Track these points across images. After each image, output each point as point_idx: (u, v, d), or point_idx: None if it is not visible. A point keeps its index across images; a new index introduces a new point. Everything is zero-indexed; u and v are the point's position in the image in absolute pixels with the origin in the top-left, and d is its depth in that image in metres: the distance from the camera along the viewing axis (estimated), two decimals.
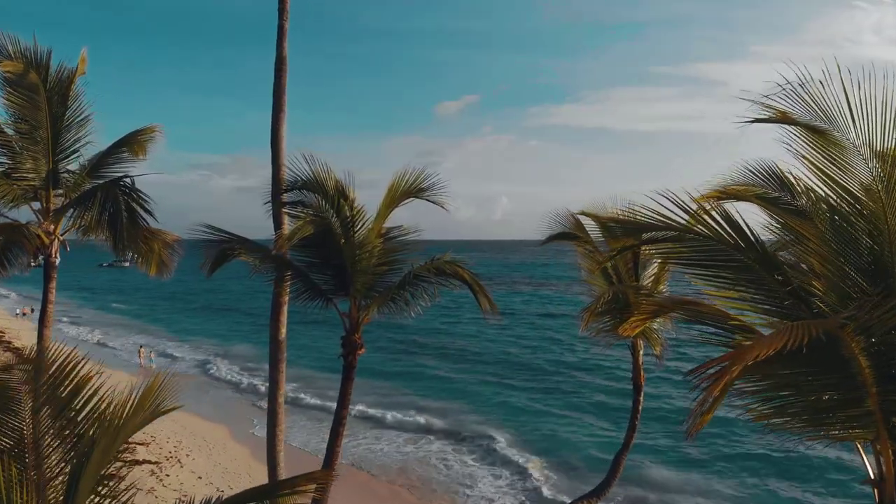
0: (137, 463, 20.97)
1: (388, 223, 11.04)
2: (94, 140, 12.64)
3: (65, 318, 56.48)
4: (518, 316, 58.15)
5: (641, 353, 11.89)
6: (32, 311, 54.30)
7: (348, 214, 10.25)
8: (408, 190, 10.57)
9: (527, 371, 37.67)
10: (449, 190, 10.79)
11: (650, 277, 12.02)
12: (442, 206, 10.79)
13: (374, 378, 33.06)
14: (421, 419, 27.85)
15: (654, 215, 5.43)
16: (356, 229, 10.28)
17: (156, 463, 21.92)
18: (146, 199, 10.95)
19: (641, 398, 11.73)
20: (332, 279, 10.46)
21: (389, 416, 28.32)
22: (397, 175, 10.51)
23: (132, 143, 12.78)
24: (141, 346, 42.98)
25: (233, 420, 27.32)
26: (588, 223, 12.11)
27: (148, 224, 11.58)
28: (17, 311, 58.15)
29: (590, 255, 12.13)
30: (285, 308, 10.91)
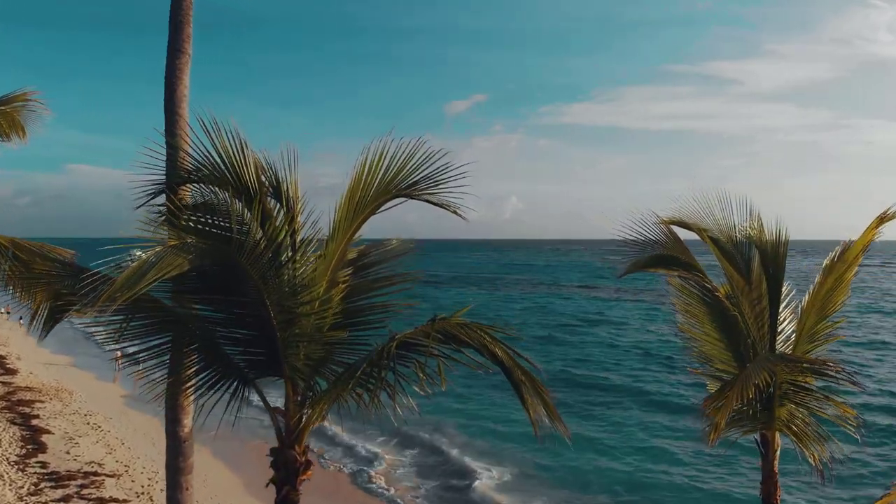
0: (102, 502, 18.14)
1: (363, 236, 6.43)
2: None
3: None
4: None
5: (778, 451, 7.22)
6: (9, 313, 50.01)
7: (281, 233, 5.54)
8: (392, 186, 5.86)
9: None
10: (467, 184, 6.08)
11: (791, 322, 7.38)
12: (456, 212, 6.13)
13: None
14: None
15: None
16: (295, 260, 5.57)
17: (124, 502, 18.41)
18: None
19: None
20: (252, 348, 5.75)
21: None
22: (368, 158, 5.78)
23: None
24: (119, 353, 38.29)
25: (222, 452, 22.78)
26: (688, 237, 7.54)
27: None
28: None
29: (692, 291, 7.46)
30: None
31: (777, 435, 7.15)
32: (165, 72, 7.01)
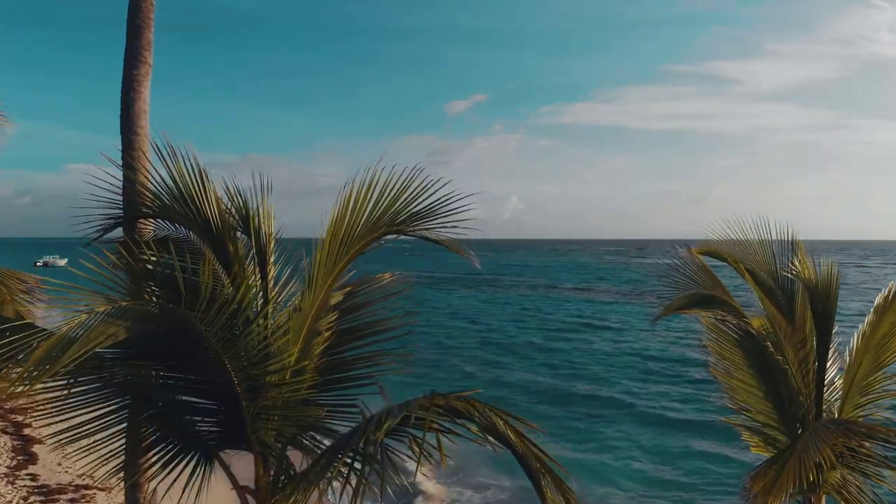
0: None
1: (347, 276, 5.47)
2: None
3: None
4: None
5: None
6: None
7: (248, 282, 4.59)
8: (382, 222, 4.91)
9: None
10: (474, 217, 5.14)
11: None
12: (461, 253, 5.19)
13: None
14: None
15: None
16: (266, 315, 4.62)
17: None
18: None
19: None
20: (214, 418, 4.80)
21: None
22: (354, 191, 4.83)
23: None
24: None
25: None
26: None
27: None
28: None
29: (728, 333, 6.55)
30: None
31: (823, 498, 6.25)
32: (122, 84, 6.07)
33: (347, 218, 4.75)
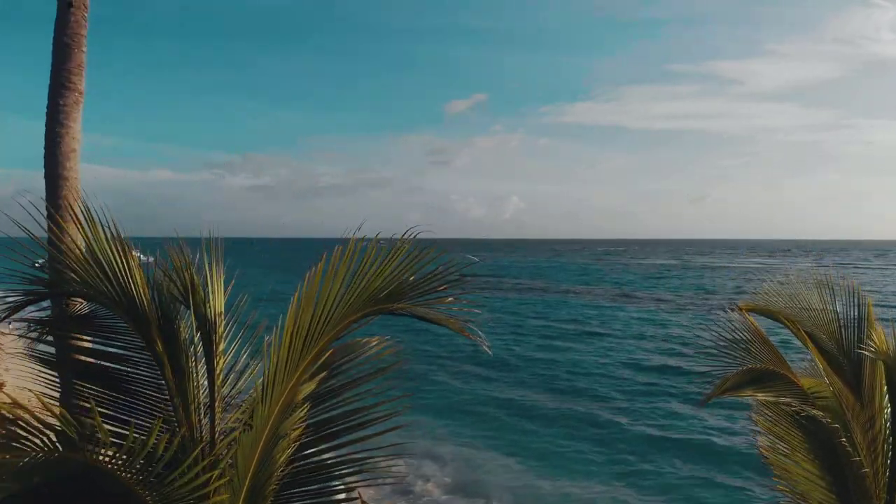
0: None
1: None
2: None
3: None
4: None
5: None
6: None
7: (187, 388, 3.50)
8: (363, 303, 3.83)
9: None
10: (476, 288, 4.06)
11: None
12: (464, 332, 4.09)
13: None
14: None
15: None
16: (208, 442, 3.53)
17: None
18: None
19: None
20: None
21: None
22: (325, 267, 3.74)
23: None
24: None
25: None
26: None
27: None
28: None
29: (785, 409, 5.46)
30: None
31: None
32: (46, 116, 4.94)
33: (321, 296, 3.64)
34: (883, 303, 62.29)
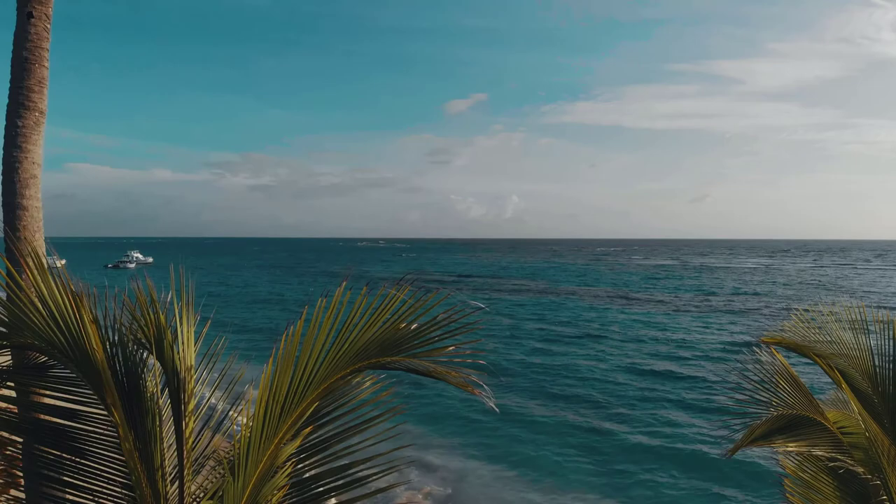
0: None
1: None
2: None
3: None
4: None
5: None
6: None
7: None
8: (351, 360, 3.37)
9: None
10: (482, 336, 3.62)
11: None
12: (466, 388, 3.63)
13: None
14: None
15: None
16: None
17: None
18: None
19: None
20: None
21: None
22: (302, 323, 3.27)
23: None
24: None
25: None
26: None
27: None
28: None
29: (815, 454, 5.01)
30: None
31: None
32: (3, 139, 4.47)
33: (296, 362, 3.17)
34: (883, 303, 61.95)
